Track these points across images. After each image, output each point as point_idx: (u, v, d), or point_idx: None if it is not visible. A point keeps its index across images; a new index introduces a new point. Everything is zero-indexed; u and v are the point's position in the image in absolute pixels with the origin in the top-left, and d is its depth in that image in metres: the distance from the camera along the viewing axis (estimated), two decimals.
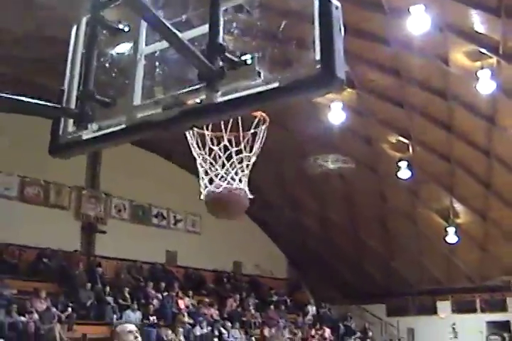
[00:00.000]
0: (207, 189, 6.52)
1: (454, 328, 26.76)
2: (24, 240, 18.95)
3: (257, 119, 6.70)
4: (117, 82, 3.39)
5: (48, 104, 3.26)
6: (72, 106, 3.35)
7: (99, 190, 22.25)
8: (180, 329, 18.34)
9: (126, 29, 3.34)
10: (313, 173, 22.67)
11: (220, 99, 2.87)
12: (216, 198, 6.54)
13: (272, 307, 24.44)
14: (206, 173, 6.82)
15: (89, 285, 18.91)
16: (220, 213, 7.01)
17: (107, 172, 21.98)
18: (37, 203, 20.40)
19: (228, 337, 20.08)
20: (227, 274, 25.38)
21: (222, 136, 6.68)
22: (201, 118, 3.15)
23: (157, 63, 3.39)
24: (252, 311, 23.26)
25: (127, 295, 19.27)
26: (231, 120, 6.24)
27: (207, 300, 21.88)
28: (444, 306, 27.66)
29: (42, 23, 14.55)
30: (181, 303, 20.43)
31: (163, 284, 21.06)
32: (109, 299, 18.77)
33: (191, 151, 7.03)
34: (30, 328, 15.49)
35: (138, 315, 18.40)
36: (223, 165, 6.73)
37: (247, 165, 6.78)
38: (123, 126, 3.15)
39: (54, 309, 16.73)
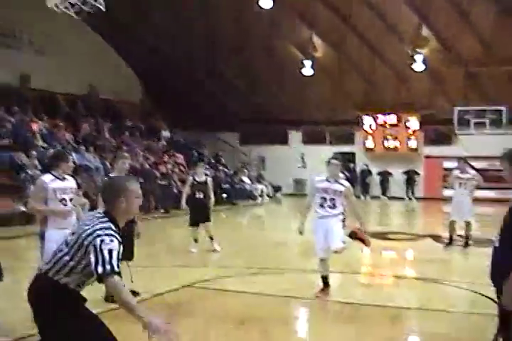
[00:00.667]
0: None
1: (302, 158, 28.38)
2: None
3: None
4: None
5: None
6: None
7: None
8: (34, 152, 18.08)
9: None
10: None
11: None
12: None
13: (126, 132, 24.48)
14: None
15: None
16: None
17: None
18: None
19: (82, 161, 20.06)
20: (81, 98, 24.82)
21: None
22: None
23: None
24: (107, 135, 23.19)
25: None
26: None
27: (61, 124, 21.46)
28: (295, 137, 29.01)
29: None
30: (34, 127, 19.94)
31: (15, 108, 20.34)
32: None
33: None
34: None
35: None
36: None
37: None
38: None
39: None
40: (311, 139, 28.51)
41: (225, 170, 26.13)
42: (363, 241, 7.87)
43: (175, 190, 21.03)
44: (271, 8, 21.35)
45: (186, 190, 12.09)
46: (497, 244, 4.15)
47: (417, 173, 26.61)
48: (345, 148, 27.32)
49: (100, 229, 3.63)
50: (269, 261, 10.72)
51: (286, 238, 13.57)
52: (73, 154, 17.88)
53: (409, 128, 26.61)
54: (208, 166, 22.76)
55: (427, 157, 26.42)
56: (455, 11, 21.77)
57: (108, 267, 3.48)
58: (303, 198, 25.67)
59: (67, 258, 3.68)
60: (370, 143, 27.32)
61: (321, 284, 8.05)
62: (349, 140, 27.93)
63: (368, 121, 27.11)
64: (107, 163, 20.59)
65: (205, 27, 24.96)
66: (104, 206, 3.86)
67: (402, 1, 22.01)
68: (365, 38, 23.97)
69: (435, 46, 23.70)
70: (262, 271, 9.68)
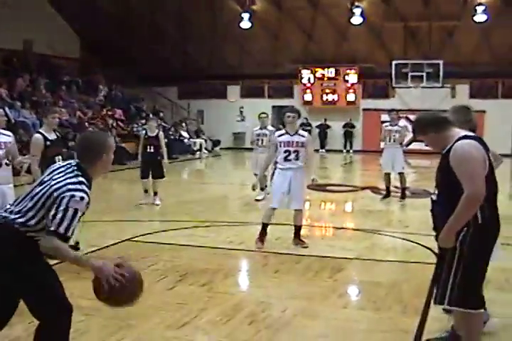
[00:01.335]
0: None
1: (241, 112, 28.30)
2: None
3: None
4: None
5: None
6: None
7: None
8: None
9: None
10: None
11: None
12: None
13: (63, 87, 23.90)
14: None
15: None
16: None
17: None
18: None
19: (19, 117, 19.57)
20: (16, 53, 23.96)
21: None
22: None
23: None
24: (43, 91, 22.60)
25: None
26: None
27: None
28: (233, 91, 28.82)
29: None
30: None
31: None
32: None
33: None
34: None
35: None
36: None
37: None
38: None
39: None
40: (249, 93, 28.38)
41: (164, 124, 25.88)
42: None
43: None
44: None
45: (140, 145, 12.24)
46: (435, 198, 4.26)
47: (353, 126, 26.90)
48: (284, 102, 27.36)
49: (73, 183, 3.51)
50: (210, 215, 10.75)
51: (227, 191, 13.64)
52: (7, 110, 17.37)
53: (347, 81, 26.75)
54: (160, 121, 22.56)
55: (366, 110, 26.71)
56: None
57: (62, 230, 3.41)
58: (242, 152, 25.82)
59: (31, 207, 3.55)
60: (308, 97, 27.38)
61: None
62: (288, 94, 27.90)
63: (306, 74, 27.09)
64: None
65: None
66: (81, 161, 3.72)
67: None
68: None
69: (374, 0, 23.73)
70: (204, 224, 9.72)
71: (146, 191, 12.06)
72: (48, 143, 7.40)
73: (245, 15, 24.72)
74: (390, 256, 7.84)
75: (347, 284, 6.65)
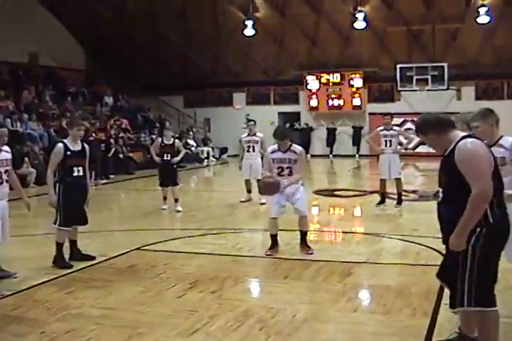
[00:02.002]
0: None
1: (247, 118, 28.28)
2: None
3: None
4: None
5: None
6: None
7: None
8: None
9: None
10: None
11: None
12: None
13: (69, 98, 24.03)
14: None
15: None
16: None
17: None
18: None
19: (26, 129, 19.69)
20: (22, 65, 24.13)
21: None
22: None
23: None
24: (49, 103, 22.77)
25: None
26: None
27: (2, 92, 20.94)
28: (239, 98, 28.88)
29: None
30: None
31: None
32: None
33: None
34: None
35: None
36: None
37: None
38: None
39: None
40: (255, 100, 28.45)
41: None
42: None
43: (120, 156, 21.05)
44: None
45: (153, 152, 12.74)
46: (439, 199, 4.27)
47: (362, 127, 26.78)
48: (290, 108, 27.44)
49: None
50: (219, 222, 10.79)
51: (235, 199, 13.65)
52: (16, 123, 17.47)
53: (352, 86, 26.76)
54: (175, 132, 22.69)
55: (372, 114, 26.69)
56: None
57: None
58: None
59: None
60: (314, 102, 27.40)
61: (269, 243, 8.21)
62: (294, 100, 27.95)
63: (311, 80, 27.13)
64: (51, 131, 20.27)
65: None
66: None
67: None
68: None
69: (377, 4, 23.75)
70: (213, 232, 9.75)
71: (165, 198, 12.41)
72: (69, 153, 7.48)
73: (249, 23, 24.76)
74: (398, 260, 7.84)
75: (356, 288, 6.65)
